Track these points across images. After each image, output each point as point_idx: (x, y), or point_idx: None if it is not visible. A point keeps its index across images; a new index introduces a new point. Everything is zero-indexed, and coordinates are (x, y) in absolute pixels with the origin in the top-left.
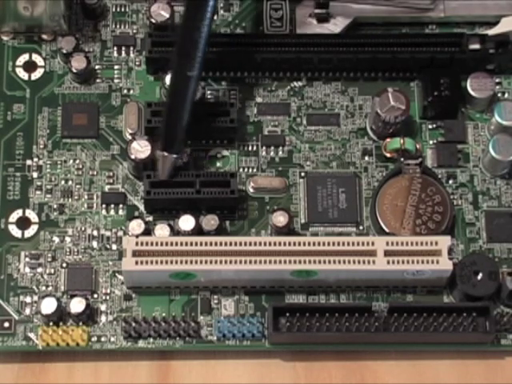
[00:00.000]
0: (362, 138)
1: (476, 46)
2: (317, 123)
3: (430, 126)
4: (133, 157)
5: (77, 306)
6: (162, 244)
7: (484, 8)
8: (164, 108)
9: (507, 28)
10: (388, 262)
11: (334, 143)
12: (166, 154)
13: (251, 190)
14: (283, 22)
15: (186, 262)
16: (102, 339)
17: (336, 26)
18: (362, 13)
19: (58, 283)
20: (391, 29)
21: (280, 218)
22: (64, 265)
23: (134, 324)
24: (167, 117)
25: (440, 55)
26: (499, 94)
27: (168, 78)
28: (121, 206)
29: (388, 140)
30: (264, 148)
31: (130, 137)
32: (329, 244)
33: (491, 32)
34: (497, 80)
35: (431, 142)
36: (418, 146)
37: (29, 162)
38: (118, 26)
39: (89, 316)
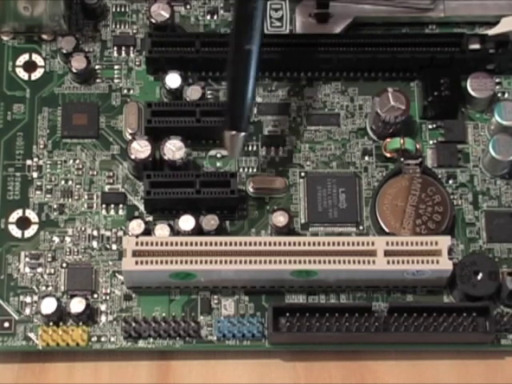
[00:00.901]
0: (362, 137)
1: (476, 46)
2: (317, 123)
3: (430, 126)
4: (133, 157)
5: (77, 305)
6: (161, 244)
7: (484, 8)
8: (227, 85)
9: (507, 28)
10: (388, 262)
11: (334, 143)
12: (234, 132)
13: (251, 190)
14: (283, 22)
15: (186, 262)
16: (102, 339)
17: (336, 26)
18: (362, 13)
19: (58, 283)
20: (391, 29)
21: (280, 218)
22: (64, 265)
23: (133, 324)
24: (231, 94)
25: (440, 55)
26: (499, 94)
27: (168, 78)
28: (121, 205)
29: (388, 140)
30: (264, 148)
31: (129, 137)
32: (329, 244)
33: (491, 32)
34: (497, 80)
35: (431, 142)
36: (418, 146)
37: (29, 162)
38: (118, 26)
39: (89, 316)
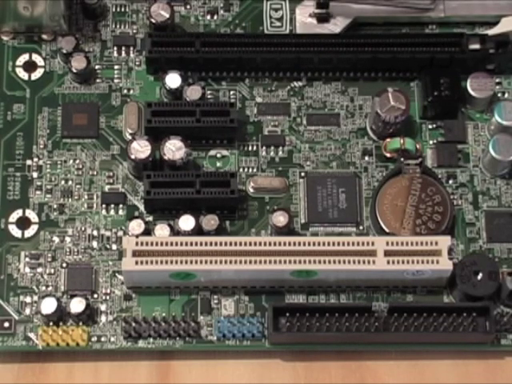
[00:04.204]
0: (362, 138)
1: (476, 46)
2: (317, 123)
3: (430, 126)
4: (133, 157)
5: (77, 306)
6: (161, 244)
7: (484, 8)
8: None
9: (507, 28)
10: (388, 262)
11: (334, 143)
12: None
13: (251, 190)
14: (283, 22)
15: (186, 262)
16: (102, 339)
17: (336, 26)
18: (362, 13)
19: (58, 283)
20: (391, 29)
21: (280, 218)
22: (64, 265)
23: (133, 324)
24: None
25: (440, 55)
26: (499, 94)
27: (168, 78)
28: (121, 206)
29: (388, 140)
30: (264, 148)
31: (129, 137)
32: (329, 244)
33: (491, 32)
34: (497, 80)
35: (431, 142)
36: (418, 146)
37: (29, 162)
38: (118, 26)
39: (89, 316)
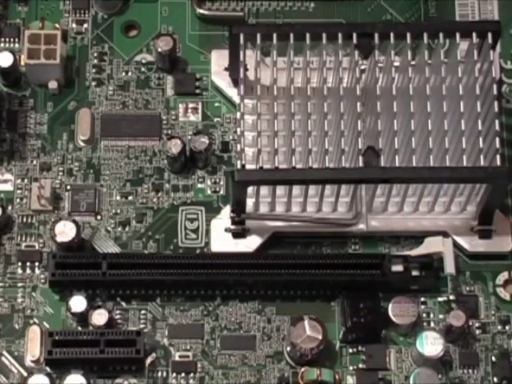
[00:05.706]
0: (279, 363)
1: (399, 268)
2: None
3: (351, 350)
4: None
5: None
6: None
7: (406, 225)
8: None
9: (430, 249)
10: None
11: (248, 369)
12: None
13: None
14: (199, 234)
15: None
16: None
17: (254, 241)
18: (281, 228)
19: None
20: (312, 242)
21: None
22: None
23: None
24: None
25: (361, 278)
26: (424, 315)
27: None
28: None
29: (304, 369)
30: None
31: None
32: None
33: (413, 253)
34: (422, 299)
35: (351, 368)
36: (337, 377)
37: None
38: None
39: None
